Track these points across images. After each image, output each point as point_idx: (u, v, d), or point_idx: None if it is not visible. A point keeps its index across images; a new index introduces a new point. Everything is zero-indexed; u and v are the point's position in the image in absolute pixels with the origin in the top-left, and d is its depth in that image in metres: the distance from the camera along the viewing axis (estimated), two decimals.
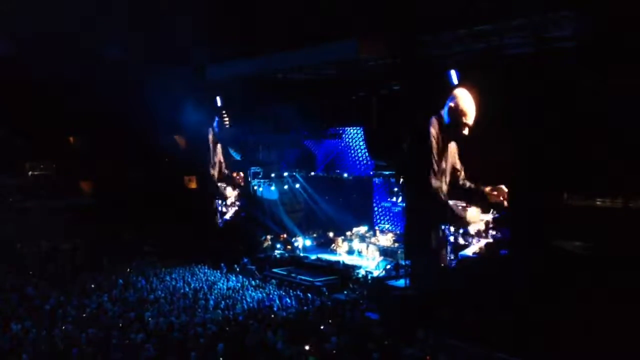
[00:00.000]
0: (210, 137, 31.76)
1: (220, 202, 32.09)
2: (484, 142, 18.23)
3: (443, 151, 19.92)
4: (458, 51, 18.88)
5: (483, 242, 19.81)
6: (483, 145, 18.28)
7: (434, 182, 19.93)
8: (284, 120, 28.01)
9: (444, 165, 19.96)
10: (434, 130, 19.82)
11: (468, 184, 20.13)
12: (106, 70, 28.52)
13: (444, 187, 20.08)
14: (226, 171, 31.90)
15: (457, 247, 20.30)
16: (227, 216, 31.73)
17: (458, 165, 20.21)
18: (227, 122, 30.16)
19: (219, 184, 32.09)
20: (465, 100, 18.81)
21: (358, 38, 20.17)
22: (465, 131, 19.10)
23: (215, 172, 32.15)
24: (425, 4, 18.41)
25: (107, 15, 24.81)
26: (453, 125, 19.21)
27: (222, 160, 31.97)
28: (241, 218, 30.75)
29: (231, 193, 31.84)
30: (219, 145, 31.83)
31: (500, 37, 17.45)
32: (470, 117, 18.81)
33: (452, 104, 19.12)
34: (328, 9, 20.99)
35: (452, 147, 20.08)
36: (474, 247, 19.88)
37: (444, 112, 19.39)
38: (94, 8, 24.84)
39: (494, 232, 19.50)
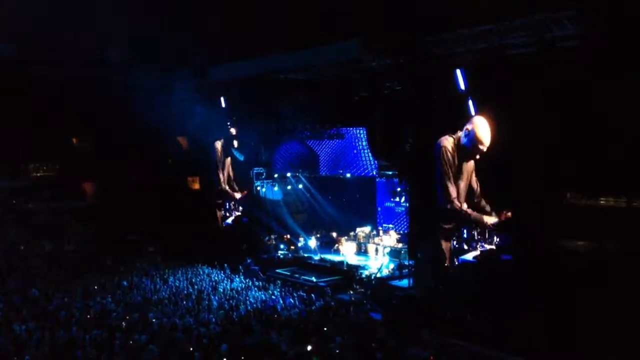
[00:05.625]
0: (219, 148, 31.40)
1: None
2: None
3: (459, 171, 19.76)
4: (460, 51, 18.87)
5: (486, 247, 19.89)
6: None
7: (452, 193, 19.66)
8: (286, 121, 28.01)
9: (460, 184, 19.77)
10: (448, 148, 19.67)
11: (483, 203, 20.01)
12: (108, 72, 28.58)
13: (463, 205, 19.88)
14: (226, 187, 31.44)
15: (459, 251, 20.38)
16: (229, 220, 31.68)
17: (475, 184, 20.06)
18: (233, 130, 30.11)
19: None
20: (482, 130, 18.73)
21: (359, 38, 20.17)
22: (478, 156, 19.21)
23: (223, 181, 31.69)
24: (427, 3, 18.39)
25: (109, 16, 24.80)
26: (468, 148, 19.21)
27: (230, 173, 31.49)
28: (243, 223, 30.63)
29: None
30: (228, 158, 31.31)
31: (502, 37, 17.44)
32: (485, 146, 18.76)
33: (469, 128, 19.03)
34: (329, 9, 20.98)
35: (470, 165, 19.90)
36: (475, 252, 19.89)
37: (462, 134, 19.28)
38: (95, 9, 24.82)
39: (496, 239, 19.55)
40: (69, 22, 25.17)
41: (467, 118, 19.29)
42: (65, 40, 26.52)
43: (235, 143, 30.28)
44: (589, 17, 15.64)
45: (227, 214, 31.87)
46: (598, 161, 16.00)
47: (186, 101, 28.91)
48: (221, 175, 31.27)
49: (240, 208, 31.32)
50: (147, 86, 28.10)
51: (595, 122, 15.93)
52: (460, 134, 19.46)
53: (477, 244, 20.38)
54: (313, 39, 21.74)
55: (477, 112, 19.15)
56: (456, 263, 20.04)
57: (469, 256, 19.77)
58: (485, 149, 18.85)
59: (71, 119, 32.92)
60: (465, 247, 20.60)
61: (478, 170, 19.91)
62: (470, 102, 19.34)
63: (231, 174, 31.39)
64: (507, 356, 15.34)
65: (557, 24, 16.22)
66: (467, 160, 19.75)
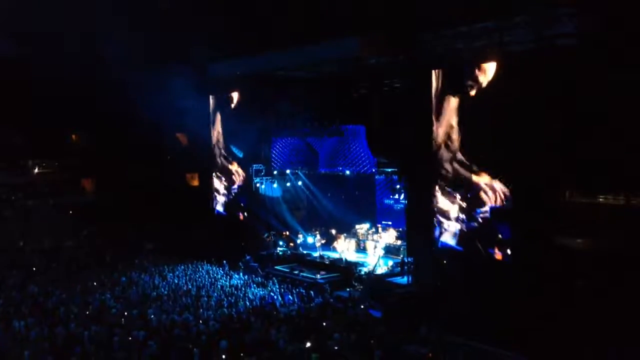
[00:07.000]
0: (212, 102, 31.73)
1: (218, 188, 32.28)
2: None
3: (440, 103, 18.78)
4: (459, 48, 18.83)
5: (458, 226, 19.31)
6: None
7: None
8: (286, 118, 28.00)
9: (439, 130, 18.97)
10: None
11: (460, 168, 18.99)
12: (108, 69, 28.57)
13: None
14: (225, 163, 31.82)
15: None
16: (219, 207, 31.75)
17: (455, 133, 18.90)
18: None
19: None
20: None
21: (359, 36, 20.16)
22: (473, 91, 18.23)
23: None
24: (426, 0, 18.37)
25: (109, 14, 24.79)
26: (463, 74, 18.26)
27: (220, 139, 31.84)
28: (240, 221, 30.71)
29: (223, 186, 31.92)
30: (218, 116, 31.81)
31: (502, 33, 17.41)
32: (484, 76, 17.81)
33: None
34: (329, 7, 20.97)
35: (452, 103, 18.77)
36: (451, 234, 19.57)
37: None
38: (94, 7, 24.81)
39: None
40: (68, 21, 25.16)
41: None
42: (65, 40, 26.50)
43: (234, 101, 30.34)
44: (588, 15, 15.64)
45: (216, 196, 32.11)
46: (595, 159, 15.98)
47: (185, 98, 28.92)
48: (212, 130, 31.69)
49: (225, 193, 31.40)
50: (146, 83, 28.10)
51: (595, 120, 15.93)
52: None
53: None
54: (313, 36, 21.74)
55: None
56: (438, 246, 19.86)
57: (449, 238, 19.48)
58: (482, 82, 17.77)
59: (70, 117, 32.93)
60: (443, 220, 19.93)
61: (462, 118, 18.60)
62: None
63: (220, 140, 31.55)
64: (505, 352, 15.35)
65: (556, 21, 16.22)
66: (455, 94, 18.79)
